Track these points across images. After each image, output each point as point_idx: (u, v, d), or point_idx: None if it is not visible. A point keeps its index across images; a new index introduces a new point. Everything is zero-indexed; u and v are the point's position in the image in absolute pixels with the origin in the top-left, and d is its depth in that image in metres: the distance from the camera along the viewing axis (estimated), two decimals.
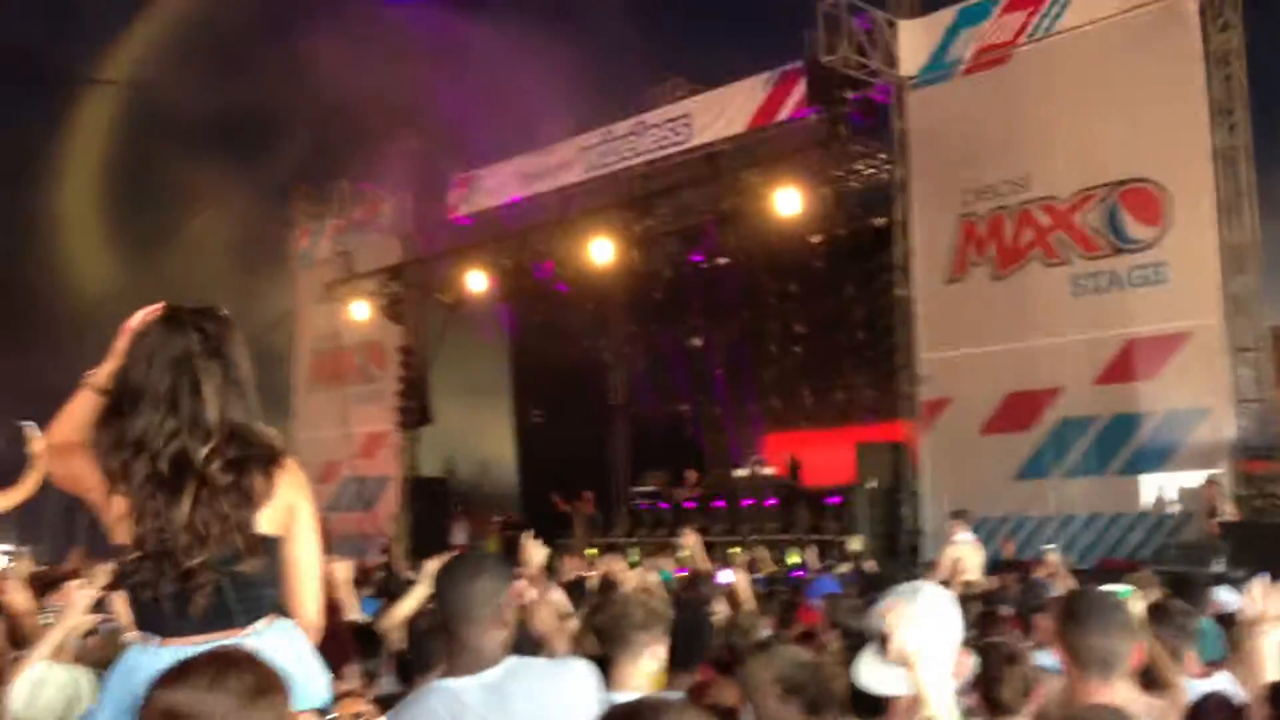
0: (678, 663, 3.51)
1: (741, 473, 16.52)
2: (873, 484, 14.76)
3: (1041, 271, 13.41)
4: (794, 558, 13.89)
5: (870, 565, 11.67)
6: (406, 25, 17.28)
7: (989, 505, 12.78)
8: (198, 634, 2.18)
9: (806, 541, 14.11)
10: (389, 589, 7.14)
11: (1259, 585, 3.01)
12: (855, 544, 13.85)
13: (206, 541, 2.22)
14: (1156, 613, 3.91)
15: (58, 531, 14.05)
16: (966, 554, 9.55)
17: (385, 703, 3.53)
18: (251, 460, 2.31)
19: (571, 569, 9.23)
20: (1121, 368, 12.65)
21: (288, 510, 2.35)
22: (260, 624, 2.27)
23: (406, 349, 19.88)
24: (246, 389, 2.37)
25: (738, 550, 13.05)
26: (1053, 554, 7.05)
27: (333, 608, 3.39)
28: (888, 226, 15.00)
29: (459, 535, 18.75)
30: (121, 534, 2.25)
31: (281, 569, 2.36)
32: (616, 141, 17.26)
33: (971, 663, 2.64)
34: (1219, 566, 9.52)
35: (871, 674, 2.32)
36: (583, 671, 2.49)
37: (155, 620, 2.23)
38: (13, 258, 19.73)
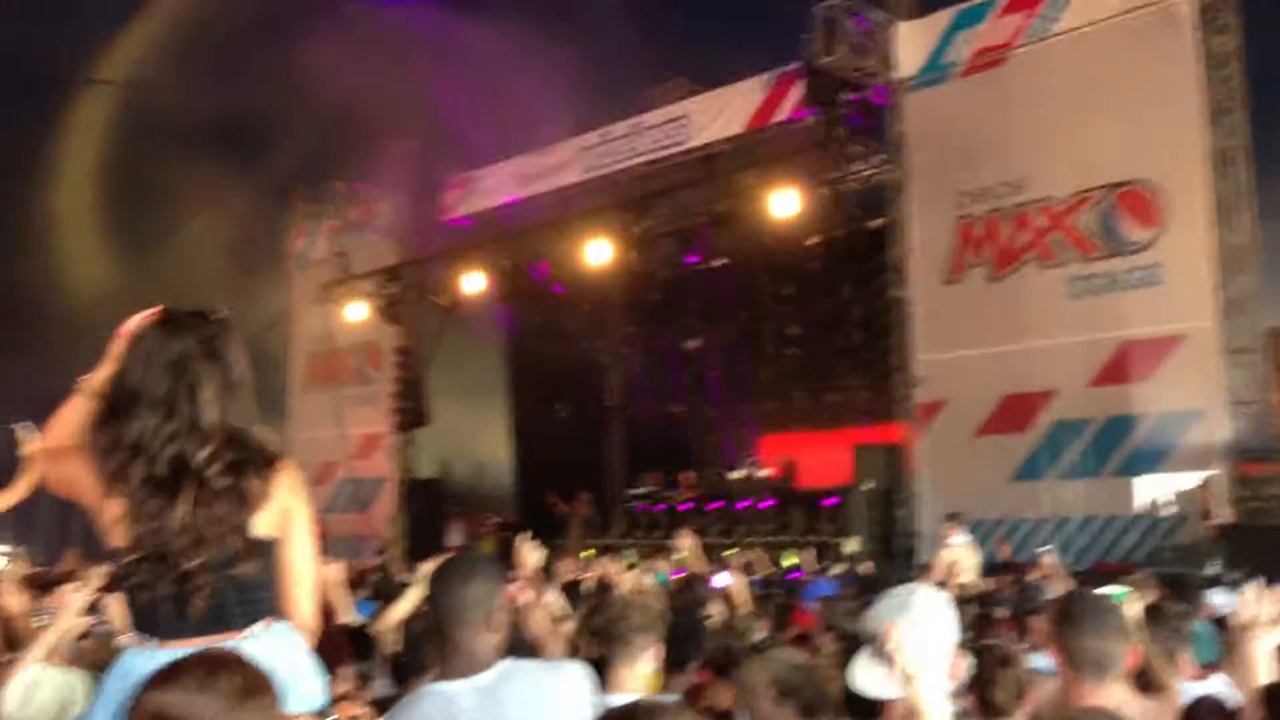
0: (671, 664, 3.52)
1: (738, 474, 16.53)
2: (869, 485, 14.77)
3: (1038, 273, 13.43)
4: (790, 559, 13.90)
5: (866, 567, 11.67)
6: (403, 25, 17.26)
7: (985, 507, 12.79)
8: (195, 636, 2.17)
9: (803, 543, 14.14)
10: (385, 591, 7.13)
11: (1253, 590, 3.01)
12: (851, 546, 13.86)
13: (204, 544, 2.22)
14: (1152, 615, 3.91)
15: (52, 533, 14.02)
16: (961, 556, 9.58)
17: (380, 705, 3.53)
18: (249, 463, 2.31)
19: (567, 571, 9.23)
20: (1117, 370, 12.66)
21: (284, 513, 2.36)
22: (257, 627, 2.27)
23: (403, 350, 19.86)
24: (244, 392, 2.37)
25: (734, 552, 13.05)
26: (1048, 556, 7.05)
27: (326, 610, 3.38)
28: (885, 228, 15.01)
29: (455, 537, 18.73)
30: (118, 536, 2.25)
31: (278, 571, 2.35)
32: (614, 142, 17.25)
33: (966, 665, 2.64)
34: (1214, 569, 9.54)
35: (867, 677, 2.31)
36: (577, 674, 2.48)
37: (152, 623, 2.23)
38: (8, 259, 19.70)
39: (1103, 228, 12.89)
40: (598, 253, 16.45)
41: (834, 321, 17.97)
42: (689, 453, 19.07)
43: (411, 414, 19.82)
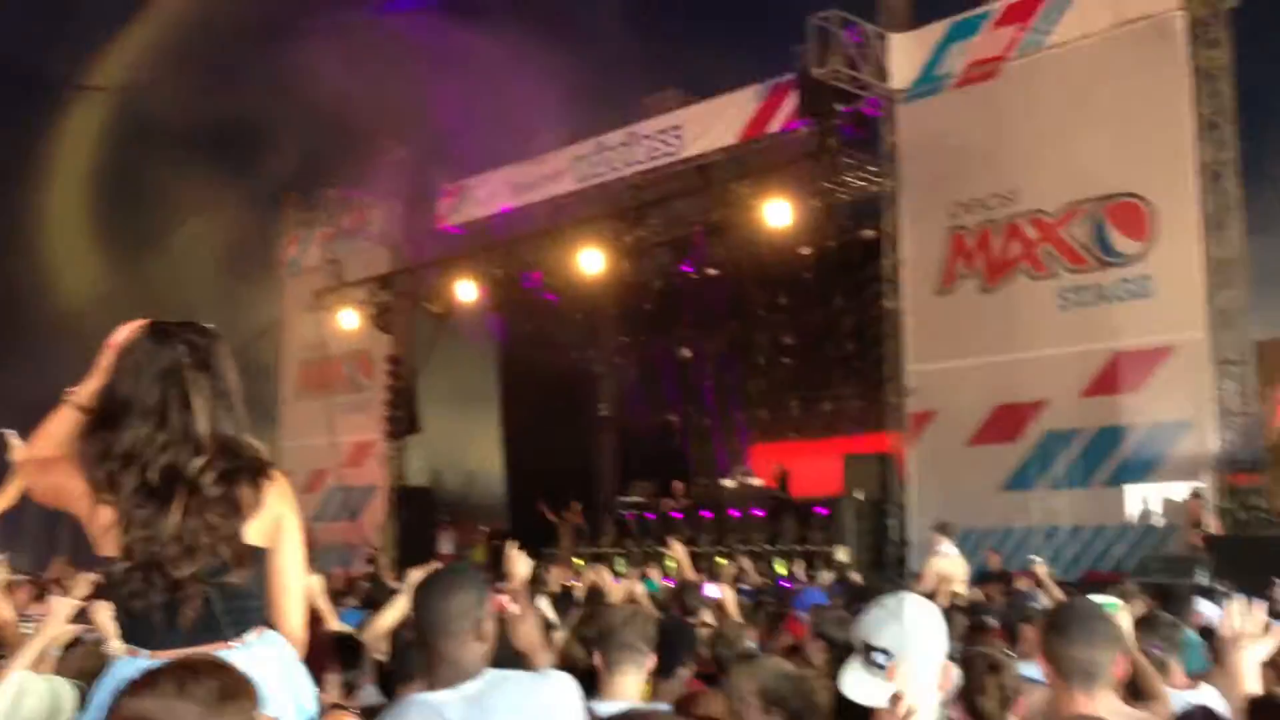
0: (660, 671, 3.52)
1: (729, 483, 16.53)
2: (860, 495, 14.78)
3: (1029, 284, 13.48)
4: (781, 568, 13.90)
5: (856, 576, 11.67)
6: (397, 33, 17.28)
7: (975, 517, 12.81)
8: (185, 646, 2.16)
9: (793, 553, 14.13)
10: (374, 599, 7.10)
11: (1237, 605, 3.03)
12: (841, 555, 13.86)
13: (195, 552, 2.22)
14: (1144, 624, 3.92)
15: (39, 540, 13.95)
16: (950, 566, 9.57)
17: (368, 714, 3.51)
18: (240, 472, 2.31)
19: (558, 579, 9.22)
20: (1107, 381, 12.71)
21: (275, 521, 2.36)
22: (250, 636, 2.26)
23: (395, 358, 19.84)
24: (234, 401, 2.38)
25: (724, 561, 13.04)
26: (1040, 565, 7.05)
27: (314, 619, 3.37)
28: (877, 239, 15.06)
29: (446, 545, 18.69)
30: (108, 545, 2.24)
31: (268, 580, 2.35)
32: (608, 152, 17.29)
33: (956, 675, 2.64)
34: (1202, 579, 9.56)
35: (857, 685, 2.31)
36: (564, 683, 2.48)
37: (142, 632, 2.22)
38: None
39: (1094, 240, 12.95)
40: (591, 262, 16.46)
41: (826, 331, 18.01)
42: (681, 462, 19.06)
43: (403, 422, 19.80)
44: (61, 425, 2.37)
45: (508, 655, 3.39)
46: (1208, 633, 4.73)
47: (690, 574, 7.16)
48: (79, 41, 20.70)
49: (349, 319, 19.85)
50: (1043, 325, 13.19)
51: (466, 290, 18.24)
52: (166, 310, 2.55)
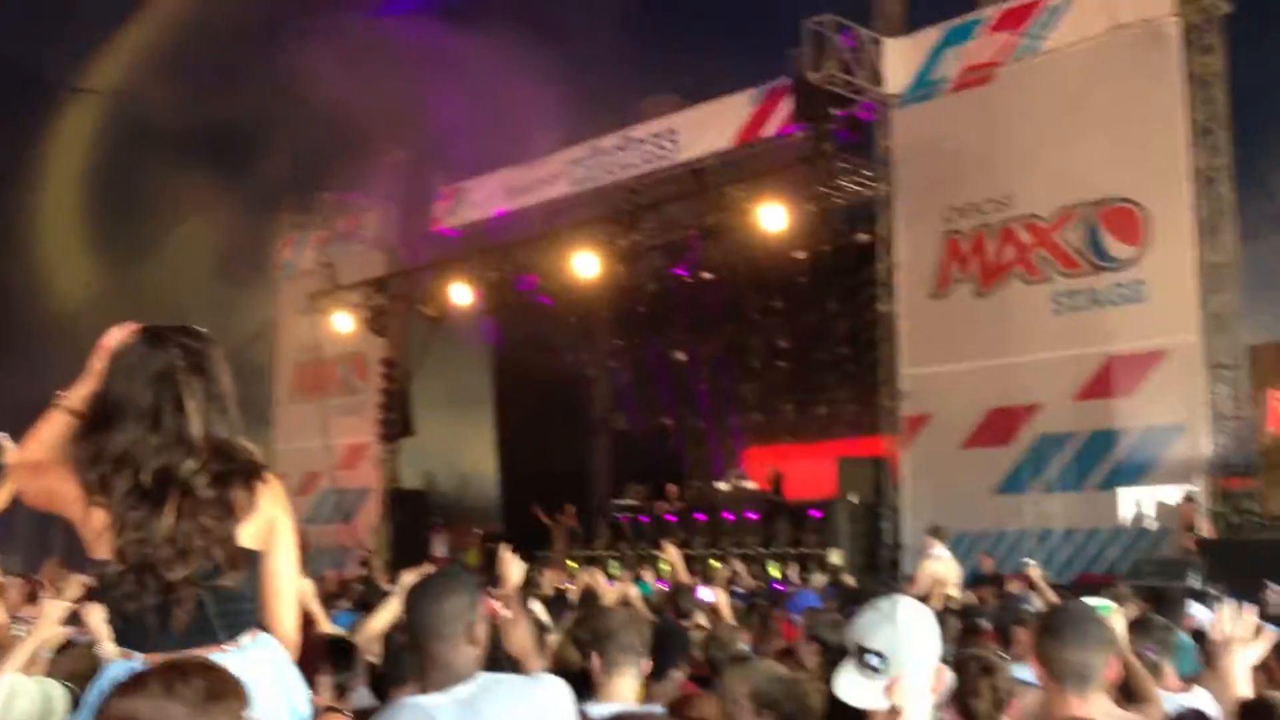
0: (651, 674, 3.52)
1: (723, 486, 16.53)
2: (854, 498, 14.80)
3: (1023, 288, 13.51)
4: (774, 571, 13.91)
5: (849, 579, 11.69)
6: (393, 37, 17.28)
7: (969, 520, 12.83)
8: (179, 649, 2.15)
9: (787, 556, 14.14)
10: (368, 602, 7.09)
11: (1227, 610, 3.05)
12: (835, 558, 13.88)
13: (189, 555, 2.21)
14: (1138, 627, 3.93)
15: (31, 543, 13.91)
16: (943, 569, 9.59)
17: (360, 717, 3.51)
18: (234, 474, 2.31)
19: (552, 582, 9.22)
20: (1101, 384, 12.74)
21: (269, 524, 2.36)
22: (245, 639, 2.26)
23: (389, 361, 19.82)
24: (228, 404, 2.38)
25: (718, 564, 13.05)
26: (1034, 568, 7.07)
27: (306, 621, 3.37)
28: (872, 243, 15.08)
29: (439, 548, 18.68)
30: (101, 548, 2.24)
31: (261, 583, 2.35)
32: (603, 156, 17.30)
33: (949, 678, 2.64)
34: (1194, 582, 9.58)
35: (851, 687, 2.32)
36: (556, 687, 2.48)
37: (136, 635, 2.22)
38: None
39: (1087, 244, 12.98)
40: (586, 265, 16.47)
41: (821, 335, 18.03)
42: (675, 465, 19.07)
43: (397, 425, 19.78)
44: (53, 429, 2.37)
45: (500, 660, 3.39)
46: (1199, 636, 4.74)
47: (684, 577, 7.17)
48: (74, 43, 20.67)
49: (343, 322, 19.83)
50: (1036, 329, 13.21)
51: (461, 293, 18.24)
52: (160, 313, 2.55)
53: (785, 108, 15.20)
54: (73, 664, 3.56)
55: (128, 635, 2.24)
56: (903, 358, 14.36)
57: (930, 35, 14.50)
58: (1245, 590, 6.98)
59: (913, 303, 14.38)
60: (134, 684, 1.64)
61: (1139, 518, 12.45)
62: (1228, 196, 12.33)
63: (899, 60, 14.55)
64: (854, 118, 14.76)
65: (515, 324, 19.71)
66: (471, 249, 18.57)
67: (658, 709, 3.17)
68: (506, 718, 2.34)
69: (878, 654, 2.29)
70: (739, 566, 11.40)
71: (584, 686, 3.17)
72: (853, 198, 15.44)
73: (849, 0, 14.50)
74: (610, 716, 2.85)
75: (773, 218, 14.84)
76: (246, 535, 2.30)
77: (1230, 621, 3.01)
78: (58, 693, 3.17)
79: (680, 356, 19.69)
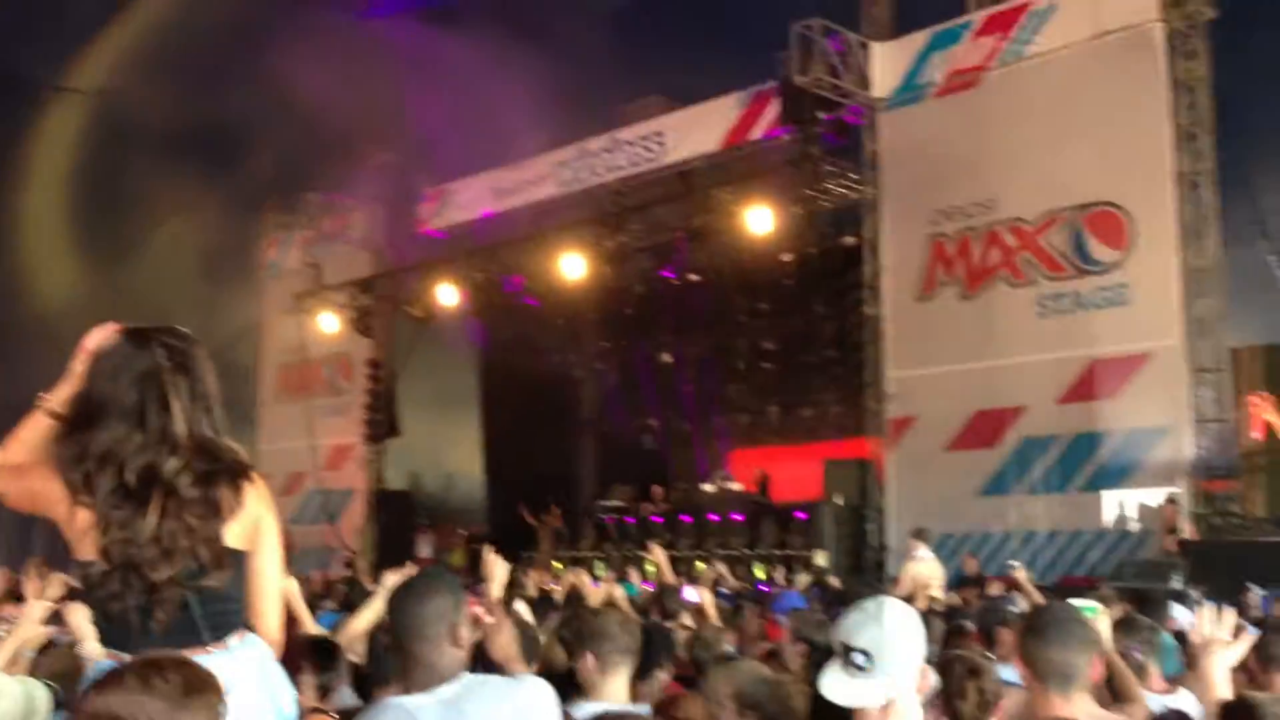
0: (636, 674, 3.53)
1: (708, 488, 16.55)
2: (839, 500, 14.83)
3: (1008, 292, 13.57)
4: (759, 573, 13.93)
5: (833, 581, 11.71)
6: (380, 38, 17.24)
7: (953, 522, 12.88)
8: (164, 649, 2.15)
9: (772, 557, 14.17)
10: (352, 602, 7.07)
11: (1207, 612, 3.08)
12: (820, 560, 13.91)
13: (174, 555, 2.20)
14: (1124, 627, 3.95)
15: (14, 543, 13.80)
16: (927, 570, 9.63)
17: (343, 717, 3.50)
18: (219, 473, 2.30)
19: (537, 582, 9.21)
20: (1084, 387, 12.81)
21: (254, 524, 2.35)
22: (231, 640, 2.25)
23: (375, 362, 19.77)
24: (213, 404, 2.37)
25: (703, 566, 13.06)
26: (1020, 570, 7.10)
27: (290, 621, 3.36)
28: (858, 246, 15.13)
29: (424, 548, 18.64)
30: (86, 548, 2.22)
31: (247, 583, 2.35)
32: (590, 158, 17.30)
33: (934, 679, 2.65)
34: (1177, 584, 9.64)
35: (836, 686, 2.32)
36: (540, 688, 2.48)
37: (120, 635, 2.21)
38: None
39: (1072, 248, 13.05)
40: (572, 267, 16.46)
41: (807, 337, 18.07)
42: (661, 466, 19.07)
43: (382, 425, 19.73)
44: (34, 430, 2.35)
45: (484, 665, 3.39)
46: (1180, 637, 4.78)
47: (670, 578, 7.17)
48: (58, 43, 20.54)
49: (329, 322, 19.77)
50: (1021, 332, 13.28)
51: (447, 294, 18.21)
52: (145, 312, 2.54)
53: (772, 111, 15.24)
54: (56, 664, 3.53)
55: (112, 636, 2.23)
56: (888, 360, 14.41)
57: (917, 39, 14.55)
58: (1227, 591, 7.04)
59: (898, 305, 14.43)
60: (111, 680, 1.64)
61: (1122, 520, 12.52)
62: (1211, 201, 12.41)
63: (886, 64, 14.60)
64: (841, 121, 14.80)
65: (501, 325, 19.69)
66: (458, 250, 18.54)
67: (643, 709, 3.18)
68: (490, 718, 2.34)
69: (863, 653, 2.30)
70: (722, 568, 11.39)
71: (568, 687, 3.17)
72: (839, 201, 15.49)
73: (836, 4, 14.59)
74: (594, 717, 2.85)
75: (759, 220, 14.87)
76: (232, 535, 2.29)
77: (1210, 623, 3.04)
78: (40, 693, 3.15)
79: (666, 358, 19.71)
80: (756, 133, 15.49)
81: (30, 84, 20.64)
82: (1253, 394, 13.38)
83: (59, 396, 2.37)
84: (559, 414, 20.91)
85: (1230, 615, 3.08)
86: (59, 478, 2.24)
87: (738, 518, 15.42)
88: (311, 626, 4.57)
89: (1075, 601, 3.57)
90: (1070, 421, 12.86)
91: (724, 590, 9.61)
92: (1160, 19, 12.57)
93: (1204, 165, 12.42)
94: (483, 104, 15.59)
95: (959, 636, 5.28)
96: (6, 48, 18.30)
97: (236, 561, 2.30)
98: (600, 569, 14.49)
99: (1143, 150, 12.52)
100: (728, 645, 5.08)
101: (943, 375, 13.76)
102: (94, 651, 2.29)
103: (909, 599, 6.92)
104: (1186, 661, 4.15)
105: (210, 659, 2.06)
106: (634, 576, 12.43)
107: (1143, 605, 5.79)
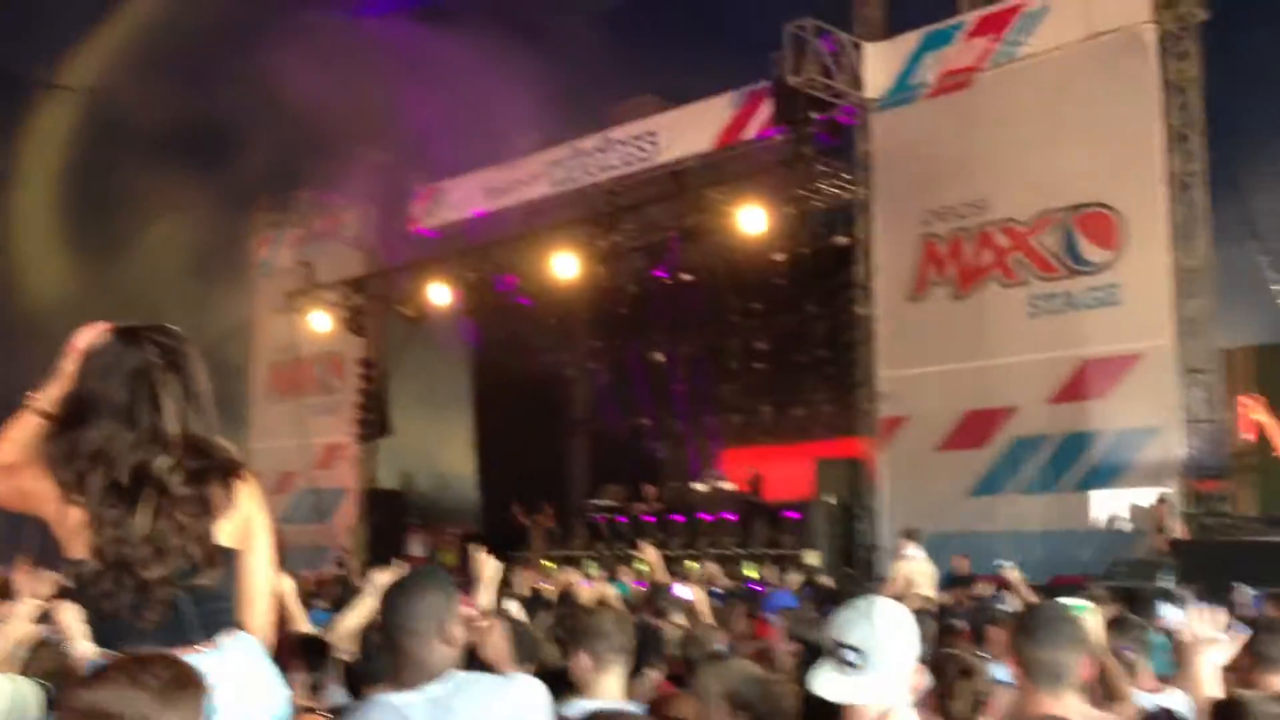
0: (630, 671, 3.54)
1: (700, 487, 16.56)
2: (830, 499, 14.86)
3: (999, 292, 13.61)
4: (751, 572, 13.95)
5: (825, 580, 11.73)
6: (373, 36, 17.20)
7: (944, 521, 12.90)
8: (155, 648, 2.14)
9: (764, 556, 14.19)
10: (344, 601, 7.06)
11: (1194, 612, 3.09)
12: (811, 559, 13.93)
13: (166, 554, 2.20)
14: (1116, 626, 3.97)
15: (4, 541, 13.75)
16: (917, 570, 9.65)
17: (333, 714, 3.50)
18: (211, 471, 2.30)
19: (529, 581, 9.21)
20: (1075, 387, 12.85)
21: (245, 523, 2.35)
22: (223, 639, 2.25)
23: (366, 361, 19.75)
24: (205, 403, 2.36)
25: (695, 565, 13.08)
26: (1012, 570, 7.12)
27: (281, 619, 3.36)
28: (850, 246, 15.15)
29: (416, 548, 18.61)
30: (77, 547, 2.22)
31: (238, 582, 2.34)
32: (583, 157, 17.28)
33: (926, 678, 2.66)
34: (1167, 583, 9.67)
35: (827, 683, 2.33)
36: (530, 686, 2.48)
37: (112, 634, 2.20)
38: None
39: (1064, 248, 13.09)
40: (565, 266, 16.46)
41: (799, 337, 18.08)
42: (653, 465, 19.09)
43: (374, 425, 19.70)
44: (23, 430, 2.34)
45: (475, 666, 3.39)
46: (1169, 636, 4.79)
47: (663, 577, 7.17)
48: (50, 40, 20.46)
49: (320, 321, 19.73)
50: (1013, 332, 13.31)
51: (440, 294, 18.18)
52: (136, 311, 2.53)
53: (765, 111, 15.24)
54: (46, 663, 3.52)
55: (104, 634, 2.22)
56: (880, 360, 14.43)
57: (909, 40, 14.58)
58: (1217, 591, 7.06)
59: (890, 305, 14.46)
60: (98, 676, 1.65)
61: (1112, 519, 12.56)
62: (1202, 202, 12.46)
63: (878, 65, 14.63)
64: (833, 121, 14.83)
65: (494, 324, 19.66)
66: (450, 249, 18.52)
67: (636, 707, 3.18)
68: (480, 716, 2.34)
69: (855, 649, 2.31)
70: (713, 568, 11.41)
71: (560, 685, 3.17)
72: (832, 201, 15.51)
73: (829, 4, 14.59)
74: (586, 715, 2.85)
75: (752, 220, 14.88)
76: (224, 533, 2.29)
77: (1199, 622, 3.05)
78: (31, 691, 3.14)
79: (659, 358, 19.70)
80: (749, 133, 15.49)
81: (21, 81, 20.56)
82: (1243, 394, 13.43)
83: (47, 396, 2.36)
84: (551, 413, 20.91)
85: (1221, 614, 3.09)
86: (50, 476, 2.24)
87: (730, 517, 15.45)
88: (305, 625, 4.57)
89: (1066, 601, 3.59)
90: (1061, 421, 12.90)
91: (715, 589, 9.62)
92: (1152, 20, 12.61)
93: (1195, 166, 12.46)
94: (475, 103, 15.57)
95: (950, 636, 5.29)
96: None
97: (228, 560, 2.29)
98: (592, 568, 14.49)
99: (1134, 151, 12.56)
100: (720, 644, 5.09)
101: (934, 375, 13.79)
102: (85, 650, 2.28)
103: (899, 598, 6.94)
104: (1176, 660, 4.17)
105: (201, 657, 2.06)
106: (626, 576, 12.43)
107: (1133, 604, 5.81)
